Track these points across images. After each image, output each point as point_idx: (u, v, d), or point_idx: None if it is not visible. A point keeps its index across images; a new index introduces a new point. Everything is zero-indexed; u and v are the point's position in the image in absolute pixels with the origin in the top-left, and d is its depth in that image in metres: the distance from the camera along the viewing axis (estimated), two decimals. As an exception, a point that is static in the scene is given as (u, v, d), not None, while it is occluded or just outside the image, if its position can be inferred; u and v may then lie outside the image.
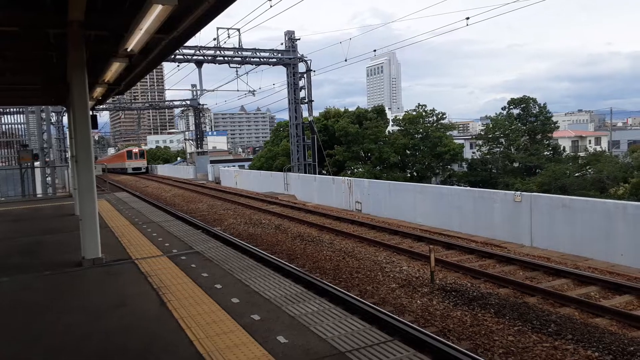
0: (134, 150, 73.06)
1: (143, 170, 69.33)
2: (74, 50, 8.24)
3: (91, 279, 8.08)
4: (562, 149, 52.09)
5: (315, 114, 43.22)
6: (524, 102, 51.01)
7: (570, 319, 8.10)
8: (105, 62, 9.87)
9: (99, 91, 13.23)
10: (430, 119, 51.10)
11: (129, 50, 8.27)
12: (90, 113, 9.64)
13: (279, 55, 35.49)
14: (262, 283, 7.37)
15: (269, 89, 35.45)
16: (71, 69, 8.68)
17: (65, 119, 38.70)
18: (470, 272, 11.00)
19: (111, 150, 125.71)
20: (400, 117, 54.99)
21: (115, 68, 9.99)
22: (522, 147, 48.09)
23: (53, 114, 38.88)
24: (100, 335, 5.55)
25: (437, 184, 44.67)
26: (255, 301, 6.50)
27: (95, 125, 15.79)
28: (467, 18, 18.98)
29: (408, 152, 49.92)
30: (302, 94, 36.06)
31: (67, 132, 32.21)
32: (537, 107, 50.68)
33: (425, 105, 51.51)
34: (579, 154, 51.83)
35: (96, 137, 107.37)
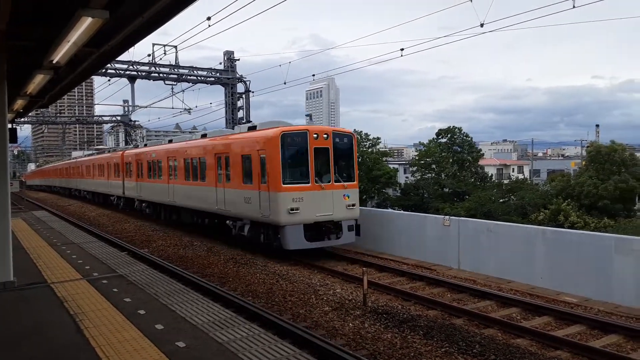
0: None
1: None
2: (-8, 59, 7.73)
3: (0, 304, 7.42)
4: (489, 176, 55.16)
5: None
6: (450, 132, 53.86)
7: (493, 339, 8.40)
8: (28, 74, 9.32)
9: (19, 103, 12.45)
10: (365, 144, 52.49)
11: (54, 62, 7.86)
12: (10, 126, 9.02)
13: (218, 74, 35.19)
14: (189, 308, 7.08)
15: (205, 107, 34.87)
16: (-12, 79, 8.11)
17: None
18: (401, 294, 11.19)
19: (32, 166, 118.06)
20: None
21: (38, 80, 9.46)
22: (451, 174, 50.38)
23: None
24: (6, 368, 5.07)
25: (373, 206, 45.58)
26: (182, 327, 6.22)
27: (14, 139, 14.75)
28: (402, 49, 19.78)
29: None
30: (241, 114, 35.84)
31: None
32: (462, 136, 53.70)
33: (361, 131, 53.03)
34: (503, 181, 55.10)
35: (15, 152, 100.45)
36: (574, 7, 13.05)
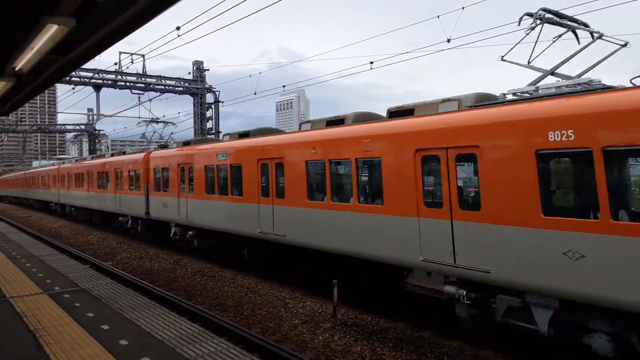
0: None
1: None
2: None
3: (-48, 322, 7.07)
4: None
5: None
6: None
7: (462, 351, 8.50)
8: (-13, 80, 9.00)
9: (-22, 110, 11.98)
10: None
11: (17, 69, 7.64)
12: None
13: (186, 84, 34.88)
14: (155, 323, 6.91)
15: (173, 117, 34.46)
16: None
17: None
18: (371, 306, 11.20)
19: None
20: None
21: (0, 87, 9.15)
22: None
23: None
24: (-42, 389, 4.81)
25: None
26: (147, 343, 6.06)
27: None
28: (372, 62, 20.13)
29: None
30: (210, 124, 35.53)
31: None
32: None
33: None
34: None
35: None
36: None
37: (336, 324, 9.93)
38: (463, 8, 14.13)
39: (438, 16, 15.40)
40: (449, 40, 15.39)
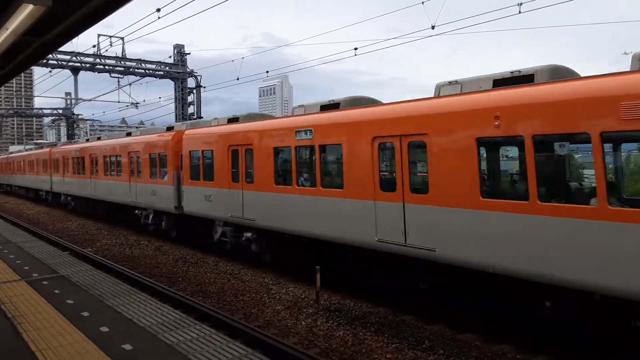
0: None
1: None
2: None
3: None
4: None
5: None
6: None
7: (442, 335, 8.63)
8: (-41, 61, 8.72)
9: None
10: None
11: (-11, 49, 7.39)
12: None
13: (167, 68, 34.30)
14: (137, 309, 6.85)
15: (154, 102, 33.71)
16: None
17: None
18: (354, 291, 11.28)
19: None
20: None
21: (-29, 68, 8.86)
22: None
23: None
24: None
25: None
26: (128, 330, 6.01)
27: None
28: (356, 49, 20.02)
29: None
30: (191, 109, 35.07)
31: None
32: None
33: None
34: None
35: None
36: (519, 12, 13.60)
37: (319, 310, 9.99)
38: (447, -6, 14.11)
39: (422, 2, 15.35)
40: (433, 27, 15.38)
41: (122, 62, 31.78)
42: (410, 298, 10.14)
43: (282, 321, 9.42)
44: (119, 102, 34.85)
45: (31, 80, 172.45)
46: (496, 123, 7.54)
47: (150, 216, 19.16)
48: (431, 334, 8.64)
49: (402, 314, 9.78)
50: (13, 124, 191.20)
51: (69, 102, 49.29)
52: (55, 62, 29.72)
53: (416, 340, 8.32)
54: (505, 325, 8.47)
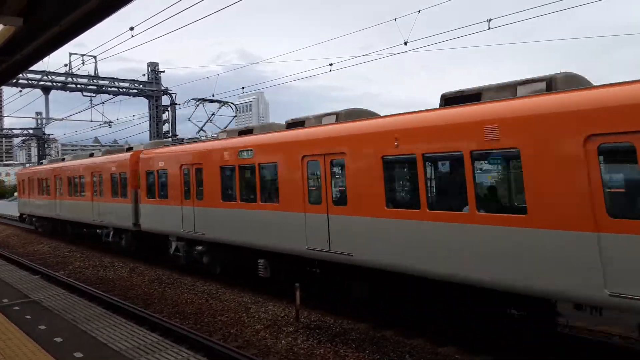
0: None
1: None
2: None
3: None
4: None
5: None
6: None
7: (422, 349, 8.63)
8: None
9: None
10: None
11: (-43, 69, 7.22)
12: None
13: (141, 86, 34.00)
14: (112, 333, 6.68)
15: (128, 120, 33.31)
16: None
17: None
18: (334, 307, 11.21)
19: None
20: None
21: (-63, 88, 8.63)
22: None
23: None
24: None
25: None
26: (104, 354, 5.85)
27: None
28: (331, 64, 20.27)
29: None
30: (166, 127, 34.77)
31: None
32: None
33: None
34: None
35: None
36: (489, 28, 13.99)
37: (299, 327, 9.89)
38: (419, 11, 14.43)
39: (395, 19, 15.67)
40: (406, 43, 15.67)
41: (95, 81, 31.41)
42: (391, 312, 10.16)
43: (262, 341, 9.30)
44: (91, 121, 34.30)
45: (0, 100, 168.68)
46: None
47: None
48: (411, 348, 8.63)
49: (382, 328, 9.76)
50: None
51: (39, 121, 48.30)
52: (25, 81, 29.18)
53: (397, 356, 8.31)
54: (483, 337, 8.53)
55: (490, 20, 14.15)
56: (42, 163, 33.83)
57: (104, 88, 32.08)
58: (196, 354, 6.19)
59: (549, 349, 7.96)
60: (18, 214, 33.01)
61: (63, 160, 26.86)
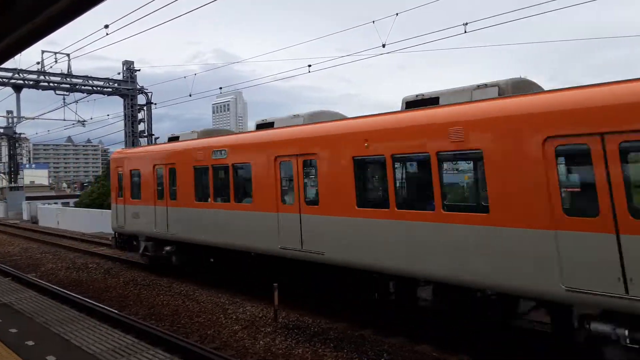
0: None
1: None
2: None
3: None
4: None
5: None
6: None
7: (401, 347, 8.69)
8: None
9: None
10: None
11: None
12: None
13: (116, 85, 33.43)
14: (85, 336, 6.55)
15: (102, 119, 32.67)
16: None
17: None
18: (313, 307, 11.21)
19: None
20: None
21: None
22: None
23: None
24: None
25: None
26: (77, 358, 5.73)
27: None
28: (310, 65, 20.26)
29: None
30: (142, 127, 34.24)
31: None
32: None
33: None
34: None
35: None
36: (465, 32, 14.20)
37: (277, 328, 9.86)
38: (397, 14, 14.55)
39: (373, 21, 15.76)
40: (384, 46, 15.78)
41: (68, 79, 30.75)
42: (369, 311, 10.21)
43: (240, 341, 9.23)
44: (64, 120, 33.53)
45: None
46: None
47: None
48: (390, 346, 8.69)
49: (361, 328, 9.80)
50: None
51: (10, 120, 47.04)
52: (-5, 79, 28.42)
53: (375, 354, 8.35)
54: (461, 335, 8.64)
55: (466, 24, 14.36)
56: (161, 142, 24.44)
57: (77, 86, 31.44)
58: (173, 355, 6.11)
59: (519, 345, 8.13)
60: (113, 233, 17.93)
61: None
